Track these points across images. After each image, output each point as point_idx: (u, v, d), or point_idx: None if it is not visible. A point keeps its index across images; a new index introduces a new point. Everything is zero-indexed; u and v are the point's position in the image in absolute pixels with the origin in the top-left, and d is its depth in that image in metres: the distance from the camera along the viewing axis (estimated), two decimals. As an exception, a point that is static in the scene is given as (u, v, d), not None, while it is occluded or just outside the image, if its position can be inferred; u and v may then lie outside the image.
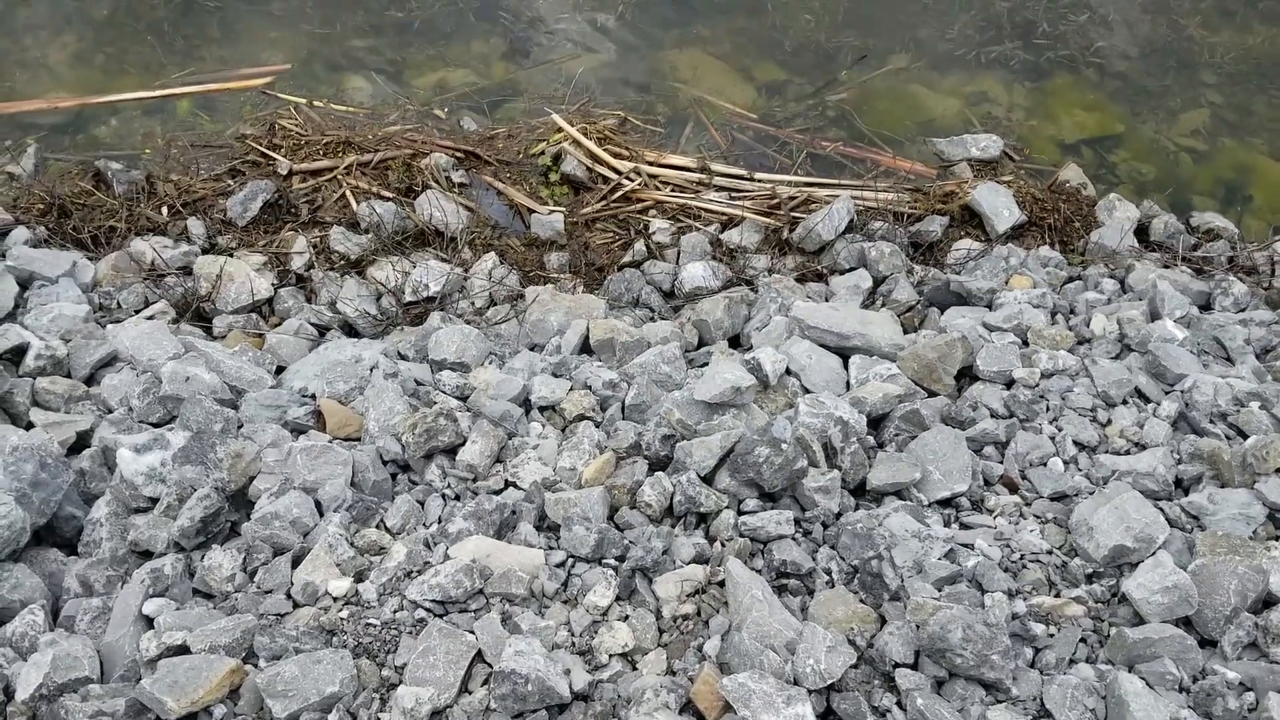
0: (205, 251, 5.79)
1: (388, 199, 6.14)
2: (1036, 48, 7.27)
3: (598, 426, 4.33)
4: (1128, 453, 4.30)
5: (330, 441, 4.17)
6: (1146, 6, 7.51)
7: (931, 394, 4.61)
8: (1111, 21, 7.40)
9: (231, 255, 5.75)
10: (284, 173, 6.22)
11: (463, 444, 4.12)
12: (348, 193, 6.21)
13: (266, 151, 6.32)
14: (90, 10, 7.00)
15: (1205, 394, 4.45)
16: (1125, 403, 4.53)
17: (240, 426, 4.27)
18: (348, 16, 7.23)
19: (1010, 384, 4.63)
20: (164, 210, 5.94)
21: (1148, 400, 4.57)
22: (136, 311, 5.36)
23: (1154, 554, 3.69)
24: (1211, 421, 4.41)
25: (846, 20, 7.48)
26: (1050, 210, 6.25)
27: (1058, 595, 3.67)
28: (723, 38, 7.48)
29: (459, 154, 6.50)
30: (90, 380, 4.73)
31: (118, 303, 5.40)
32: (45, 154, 6.25)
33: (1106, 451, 4.31)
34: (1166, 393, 4.59)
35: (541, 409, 4.43)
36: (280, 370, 4.94)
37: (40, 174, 6.12)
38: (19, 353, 4.67)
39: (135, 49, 6.84)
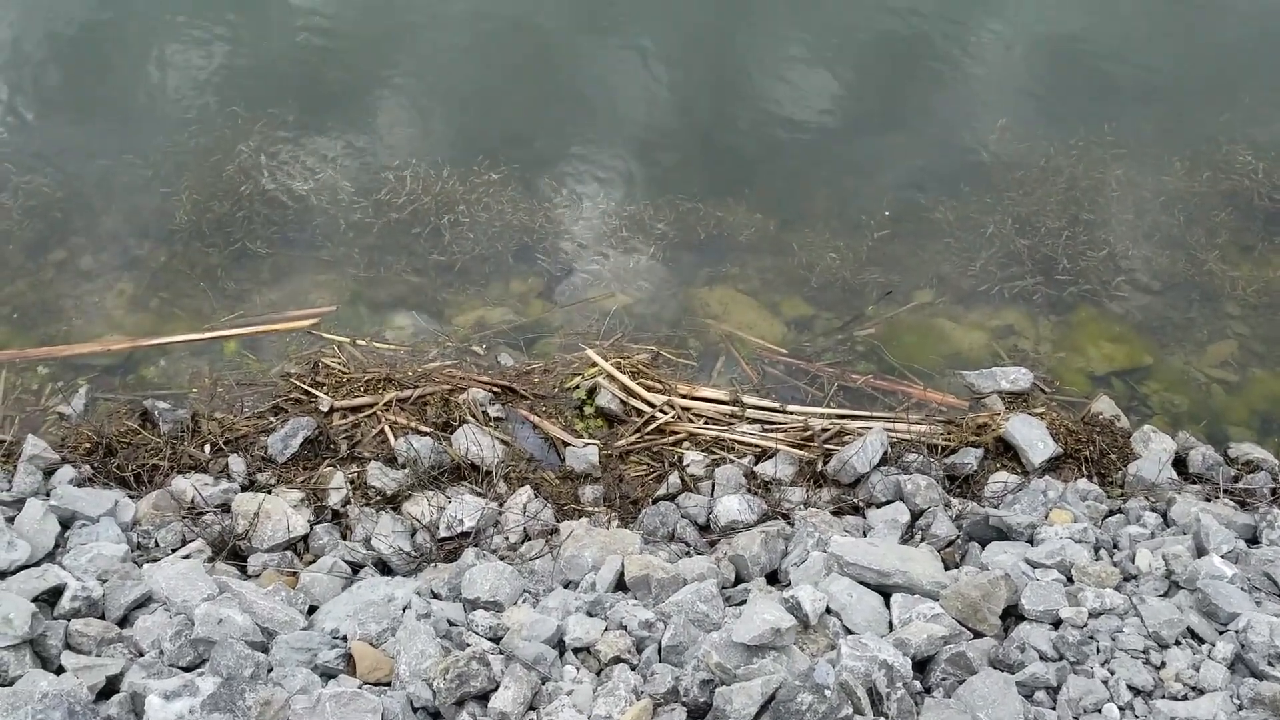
0: (245, 489, 5.86)
1: (425, 434, 6.24)
2: (1059, 283, 7.46)
3: (634, 670, 4.22)
4: (1185, 698, 4.13)
5: (360, 687, 4.09)
6: (1164, 242, 7.73)
7: (977, 634, 4.49)
8: (1130, 256, 7.61)
9: (270, 492, 5.81)
10: (325, 409, 6.36)
11: (495, 689, 4.02)
12: (386, 428, 6.32)
13: (309, 389, 6.48)
14: (149, 258, 7.36)
15: (1261, 634, 4.30)
16: (1178, 644, 4.38)
17: (270, 670, 4.20)
18: (393, 260, 7.56)
19: (1057, 624, 4.50)
20: (206, 448, 6.05)
21: (1201, 641, 4.41)
22: (174, 550, 5.38)
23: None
24: (1270, 664, 4.24)
25: (871, 258, 7.73)
26: (1085, 442, 6.24)
27: None
28: (751, 275, 7.73)
29: (496, 389, 6.64)
30: (124, 621, 4.69)
31: (156, 541, 5.43)
32: (95, 394, 6.45)
33: (1163, 696, 4.14)
34: (1220, 633, 4.44)
35: (576, 651, 4.34)
36: (313, 610, 4.90)
37: (89, 414, 6.30)
38: (56, 593, 4.67)
39: (188, 293, 7.15)
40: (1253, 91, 8.97)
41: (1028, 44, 9.51)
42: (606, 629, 4.40)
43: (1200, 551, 5.00)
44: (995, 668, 4.24)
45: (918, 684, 4.13)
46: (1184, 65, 9.32)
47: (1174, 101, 8.90)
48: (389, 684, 4.22)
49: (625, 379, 6.67)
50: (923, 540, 5.51)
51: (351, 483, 5.97)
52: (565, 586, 5.13)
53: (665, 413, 6.52)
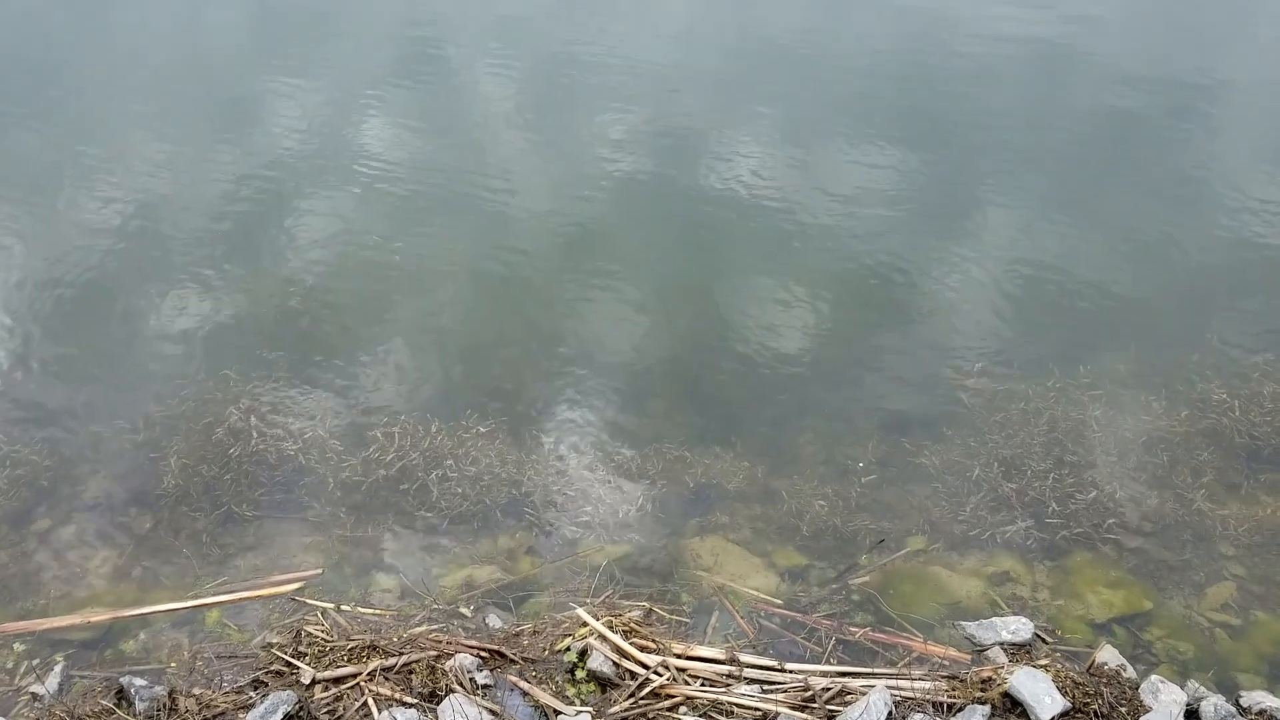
0: (221, 772, 5.58)
1: (410, 705, 6.00)
2: (1050, 526, 7.43)
3: None
4: None
5: None
6: (1151, 483, 7.77)
7: None
8: (1119, 499, 7.63)
9: (247, 775, 5.53)
10: (306, 681, 6.14)
11: None
12: (370, 700, 6.08)
13: (290, 660, 6.28)
14: (134, 525, 7.30)
15: None
16: None
17: None
18: (380, 519, 7.51)
19: None
20: (182, 727, 5.79)
21: None
22: (142, 846, 5.06)
23: None
24: None
25: (860, 504, 7.72)
26: (1093, 695, 6.05)
27: None
28: (742, 524, 7.69)
29: (484, 654, 6.44)
30: None
31: (123, 835, 5.11)
32: (71, 671, 6.23)
33: None
34: None
35: None
36: None
37: (64, 693, 6.06)
38: None
39: (172, 561, 7.05)
40: (1219, 330, 9.25)
41: (999, 282, 9.85)
42: None
43: (1226, 818, 4.76)
44: None
45: None
46: (1150, 302, 9.65)
47: (1145, 340, 9.15)
48: None
49: (618, 639, 6.49)
50: (934, 810, 5.24)
51: (333, 762, 5.69)
52: None
53: (660, 674, 6.31)
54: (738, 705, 6.20)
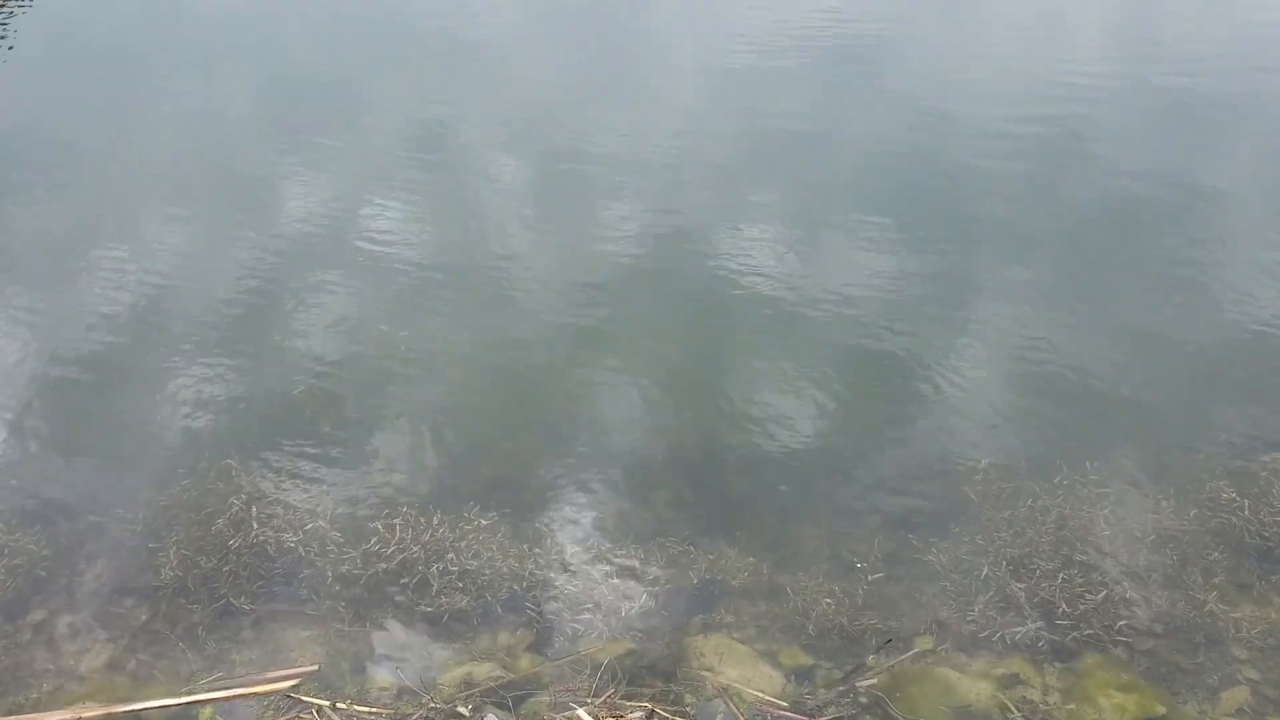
0: None
1: (406, 810, 5.86)
2: (1060, 628, 7.30)
3: None
4: None
5: None
6: (1161, 583, 7.66)
7: None
8: (1130, 599, 7.51)
9: None
10: (301, 783, 6.01)
11: None
12: (365, 804, 5.94)
13: (285, 761, 6.15)
14: (129, 616, 7.20)
15: None
16: None
17: None
18: (379, 613, 7.41)
19: None
20: (171, 831, 5.65)
21: None
22: None
23: None
24: None
25: (867, 602, 7.60)
26: (1107, 806, 5.89)
27: None
28: (746, 622, 7.57)
29: (482, 756, 6.31)
30: None
31: None
32: (58, 771, 6.10)
33: None
34: None
35: None
36: None
37: (49, 795, 5.93)
38: None
39: (168, 654, 6.95)
40: (1226, 426, 9.18)
41: (1003, 372, 9.83)
42: None
43: None
44: None
45: None
46: (1156, 396, 9.59)
47: (1151, 436, 9.09)
48: None
49: (619, 742, 6.36)
50: None
51: None
52: None
53: (661, 779, 6.16)
54: (742, 813, 6.04)
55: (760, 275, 11.21)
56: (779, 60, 16.44)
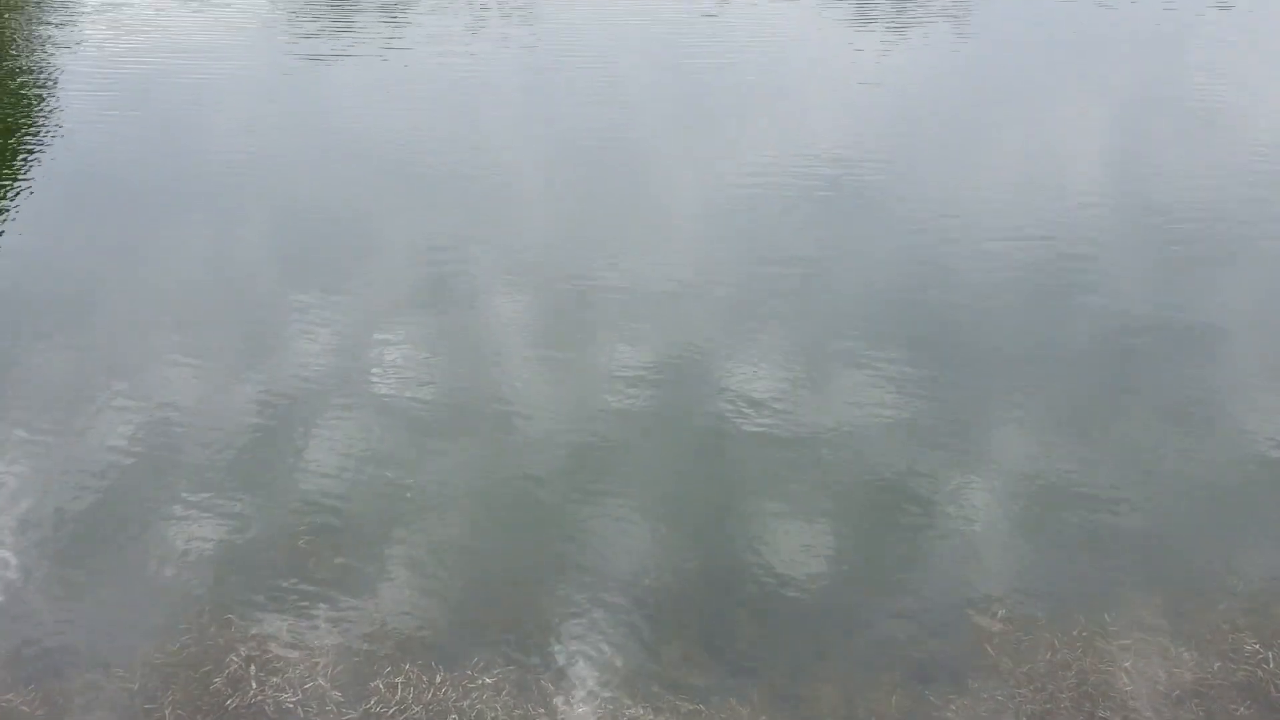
0: None
1: None
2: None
3: None
4: None
5: None
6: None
7: None
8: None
9: None
10: None
11: None
12: None
13: None
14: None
15: None
16: None
17: None
18: (380, 780, 7.16)
19: None
20: None
21: None
22: None
23: None
24: None
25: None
26: None
27: None
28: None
29: None
30: None
31: None
32: None
33: None
34: None
35: None
36: None
37: None
38: None
39: (159, 830, 6.68)
40: (1244, 573, 9.03)
41: (1014, 513, 9.70)
42: None
43: None
44: None
45: None
46: (1173, 540, 9.46)
47: (1170, 583, 8.93)
48: None
49: None
50: None
51: None
52: None
53: None
54: None
55: (769, 411, 11.18)
56: (783, 195, 16.71)
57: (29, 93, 21.62)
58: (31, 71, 23.01)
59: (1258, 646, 8.12)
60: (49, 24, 26.48)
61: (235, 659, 7.93)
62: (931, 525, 9.57)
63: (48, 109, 20.70)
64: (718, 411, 11.25)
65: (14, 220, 15.90)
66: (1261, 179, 17.27)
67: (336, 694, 7.80)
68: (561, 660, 8.25)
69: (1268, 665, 7.96)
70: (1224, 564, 9.15)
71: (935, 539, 9.42)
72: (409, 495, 9.96)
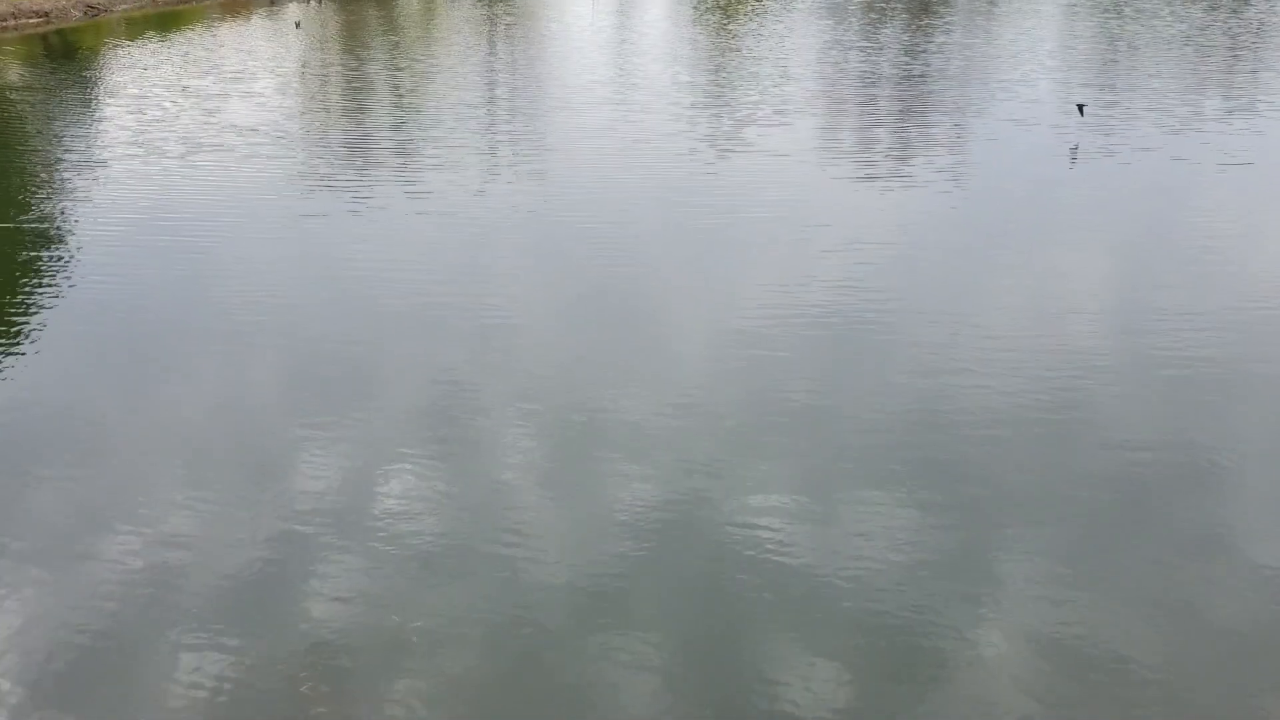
0: None
1: None
2: None
3: None
4: None
5: None
6: None
7: None
8: None
9: None
10: None
11: None
12: None
13: None
14: None
15: None
16: None
17: None
18: None
19: None
20: None
21: None
22: None
23: None
24: None
25: None
26: None
27: None
28: None
29: None
30: None
31: None
32: None
33: None
34: None
35: None
36: None
37: None
38: None
39: None
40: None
41: (1031, 657, 9.55)
42: None
43: None
44: None
45: None
46: (1188, 685, 9.30)
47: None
48: None
49: None
50: None
51: None
52: None
53: None
54: None
55: (775, 548, 11.13)
56: (787, 331, 16.95)
57: (49, 235, 22.21)
58: (50, 219, 23.67)
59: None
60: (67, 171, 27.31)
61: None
62: (943, 671, 9.42)
63: (68, 252, 21.24)
64: (726, 547, 11.21)
65: (33, 355, 16.15)
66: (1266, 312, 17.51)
67: None
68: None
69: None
70: (1246, 711, 8.98)
71: (949, 688, 9.27)
72: (414, 643, 9.84)
